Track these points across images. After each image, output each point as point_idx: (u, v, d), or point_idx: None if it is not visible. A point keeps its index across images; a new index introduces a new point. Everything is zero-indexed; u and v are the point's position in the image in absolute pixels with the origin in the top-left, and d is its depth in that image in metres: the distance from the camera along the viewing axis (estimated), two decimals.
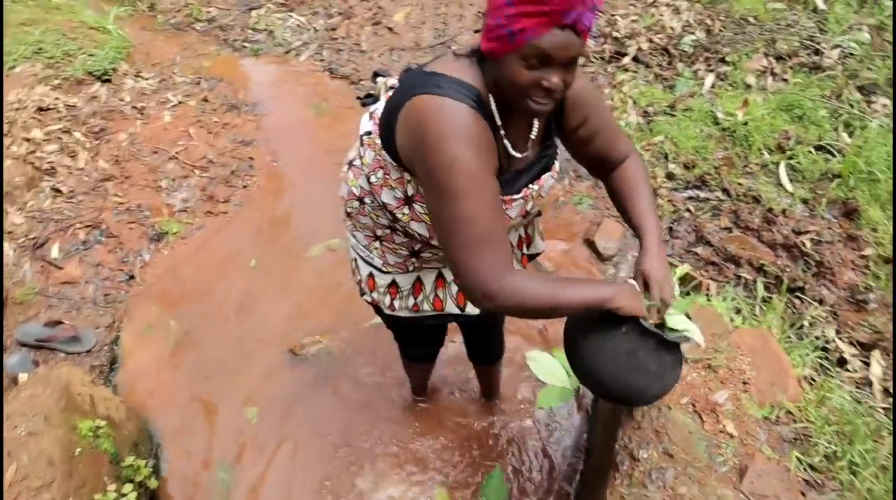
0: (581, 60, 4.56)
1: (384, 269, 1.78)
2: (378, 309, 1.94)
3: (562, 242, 3.38)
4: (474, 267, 1.34)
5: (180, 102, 4.77)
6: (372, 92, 1.79)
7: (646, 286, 1.53)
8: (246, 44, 5.93)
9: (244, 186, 4.10)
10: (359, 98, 1.83)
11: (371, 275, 1.82)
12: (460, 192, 1.30)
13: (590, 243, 3.34)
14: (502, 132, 1.43)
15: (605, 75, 4.45)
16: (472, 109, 1.31)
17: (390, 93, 1.56)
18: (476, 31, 5.33)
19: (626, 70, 4.41)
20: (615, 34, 4.69)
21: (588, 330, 1.55)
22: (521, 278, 1.35)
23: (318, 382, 2.89)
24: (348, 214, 1.77)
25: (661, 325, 1.53)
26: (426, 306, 1.85)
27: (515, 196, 1.51)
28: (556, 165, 1.65)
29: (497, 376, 2.65)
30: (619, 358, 1.50)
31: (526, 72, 1.25)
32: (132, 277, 3.45)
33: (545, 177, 1.59)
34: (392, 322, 2.06)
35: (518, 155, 1.49)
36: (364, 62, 5.35)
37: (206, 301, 3.32)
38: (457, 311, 1.89)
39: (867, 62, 3.88)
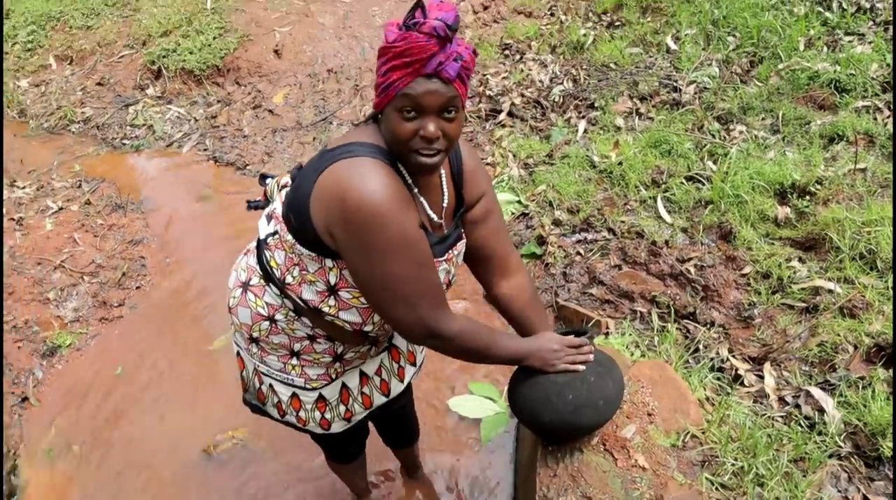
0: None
1: (308, 386, 1.73)
2: (300, 428, 1.87)
3: (463, 301, 3.43)
4: (417, 318, 1.43)
5: (61, 208, 4.63)
6: (258, 199, 1.79)
7: None
8: (126, 141, 5.83)
9: (138, 287, 3.98)
10: (248, 202, 1.83)
11: (295, 395, 1.76)
12: (391, 248, 1.34)
13: (490, 300, 3.40)
14: (416, 190, 1.47)
15: (484, 133, 4.62)
16: (386, 164, 1.36)
17: (283, 192, 1.57)
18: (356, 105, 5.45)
19: (504, 126, 4.60)
20: (488, 93, 4.89)
21: (519, 380, 1.76)
22: (462, 323, 1.51)
23: (236, 482, 2.78)
24: (254, 340, 1.69)
25: None
26: (357, 408, 1.85)
27: (440, 258, 1.54)
28: (464, 239, 1.69)
29: (417, 453, 2.61)
30: (548, 399, 1.68)
31: (404, 122, 1.32)
32: (25, 398, 3.26)
33: (460, 243, 1.64)
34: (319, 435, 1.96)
35: (435, 218, 1.53)
36: (248, 146, 5.36)
37: (108, 413, 3.17)
38: (384, 399, 1.92)
39: (720, 94, 4.19)
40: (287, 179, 1.65)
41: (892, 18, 4.26)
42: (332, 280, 1.46)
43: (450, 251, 1.59)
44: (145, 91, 6.34)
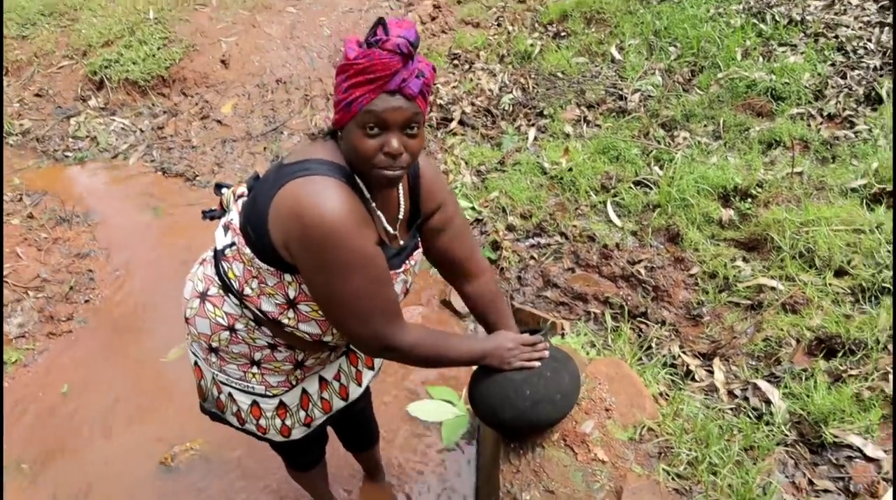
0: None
1: (268, 393, 1.73)
2: (260, 437, 1.86)
3: (419, 307, 3.46)
4: (373, 333, 1.46)
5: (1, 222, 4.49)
6: (214, 208, 1.78)
7: None
8: (68, 153, 5.70)
9: (86, 301, 3.89)
10: (204, 212, 1.81)
11: (255, 403, 1.75)
12: (348, 267, 1.35)
13: (446, 304, 3.45)
14: (373, 204, 1.48)
15: (436, 141, 4.67)
16: (343, 183, 1.36)
17: (240, 201, 1.56)
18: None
19: (455, 134, 4.66)
20: (439, 101, 4.95)
21: (478, 379, 1.82)
22: (416, 333, 1.54)
23: (196, 492, 2.75)
24: (213, 350, 1.68)
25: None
26: (317, 413, 1.85)
27: (398, 270, 1.56)
28: (420, 249, 1.72)
29: (378, 456, 2.62)
30: (506, 396, 1.74)
31: (367, 139, 1.33)
32: None
33: (417, 253, 1.67)
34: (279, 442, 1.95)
35: (392, 231, 1.55)
36: (197, 157, 5.30)
37: (60, 430, 3.08)
38: (343, 404, 1.93)
39: (664, 102, 4.33)
40: (243, 188, 1.64)
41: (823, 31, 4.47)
42: (292, 294, 1.47)
43: (406, 262, 1.61)
44: (87, 102, 6.21)
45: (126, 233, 4.53)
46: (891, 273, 2.66)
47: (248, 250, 1.45)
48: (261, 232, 1.40)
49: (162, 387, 3.25)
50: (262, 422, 1.79)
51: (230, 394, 1.77)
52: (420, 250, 1.70)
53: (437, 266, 1.82)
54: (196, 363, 1.83)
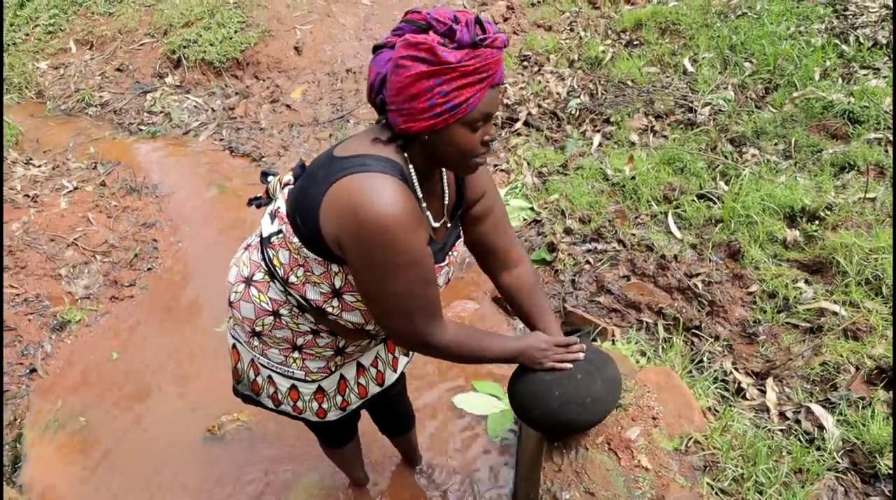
0: None
1: (307, 378, 1.76)
2: (296, 416, 1.89)
3: (471, 302, 3.48)
4: (413, 330, 1.48)
5: (76, 188, 4.68)
6: (260, 196, 1.79)
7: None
8: (142, 127, 5.90)
9: (149, 269, 4.02)
10: (250, 200, 1.83)
11: (294, 387, 1.78)
12: (398, 266, 1.35)
13: (497, 301, 3.46)
14: (423, 205, 1.49)
15: (500, 140, 4.68)
16: (400, 181, 1.35)
17: (286, 190, 1.56)
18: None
19: (519, 134, 4.65)
20: (506, 101, 4.95)
21: (515, 377, 1.84)
22: (454, 331, 1.55)
23: (239, 462, 2.82)
24: (256, 334, 1.70)
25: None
26: (353, 398, 1.88)
27: (442, 264, 1.58)
28: (462, 237, 1.73)
29: (414, 441, 2.65)
30: (536, 395, 1.75)
31: (473, 135, 1.35)
32: (34, 370, 3.30)
33: (458, 243, 1.68)
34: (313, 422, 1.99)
35: (437, 225, 1.56)
36: (264, 139, 5.41)
37: (115, 389, 3.21)
38: (378, 389, 1.97)
39: (735, 117, 4.25)
40: (289, 177, 1.64)
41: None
42: (338, 284, 1.48)
43: (450, 255, 1.62)
44: (164, 79, 6.42)
45: (191, 207, 4.67)
46: None
47: (295, 239, 1.45)
48: (311, 223, 1.40)
49: (214, 357, 3.34)
50: (300, 404, 1.82)
51: (269, 376, 1.79)
52: (461, 240, 1.71)
53: (475, 255, 1.83)
54: (234, 346, 1.85)
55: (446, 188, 1.60)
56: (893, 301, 2.60)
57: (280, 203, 1.55)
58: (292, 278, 1.51)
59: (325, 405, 1.84)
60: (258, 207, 1.80)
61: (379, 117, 1.42)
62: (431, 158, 1.42)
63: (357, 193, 1.31)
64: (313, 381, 1.76)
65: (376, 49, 1.37)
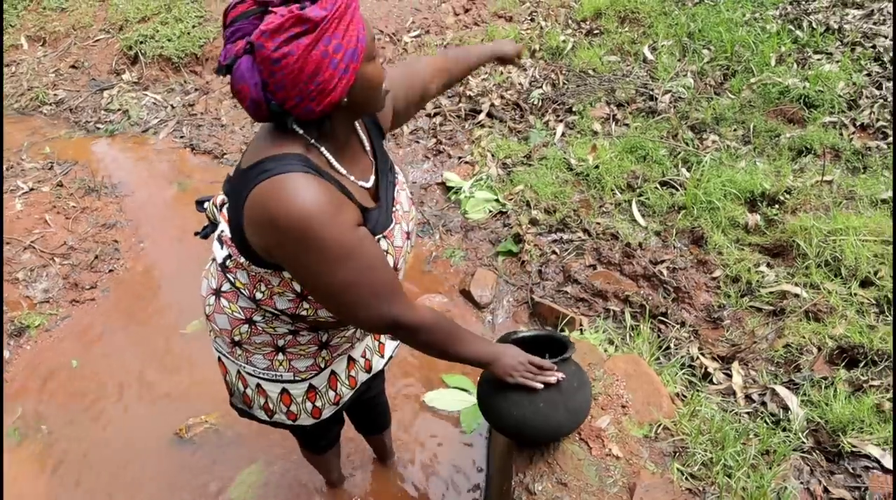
0: (439, 119, 4.74)
1: (297, 378, 1.73)
2: (290, 425, 1.87)
3: (439, 295, 3.47)
4: (377, 315, 1.43)
5: (32, 189, 4.56)
6: (206, 226, 1.77)
7: (501, 61, 2.18)
8: (100, 125, 5.77)
9: (110, 271, 3.94)
10: (196, 233, 1.81)
11: (284, 391, 1.75)
12: (332, 260, 1.31)
13: (466, 293, 3.46)
14: (351, 177, 1.42)
15: (463, 132, 4.67)
16: (306, 172, 1.29)
17: (224, 210, 1.53)
18: None
19: (483, 126, 4.65)
20: (469, 93, 4.94)
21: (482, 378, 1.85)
22: (429, 316, 1.51)
23: (208, 464, 2.79)
24: (237, 343, 1.66)
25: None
26: (345, 391, 1.86)
27: (391, 225, 1.52)
28: (400, 176, 1.68)
29: (390, 441, 2.64)
30: (497, 406, 1.78)
31: (376, 63, 1.33)
32: None
33: (399, 193, 1.61)
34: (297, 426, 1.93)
35: (367, 184, 1.48)
36: (226, 136, 5.34)
37: (77, 395, 3.14)
38: (367, 376, 1.95)
39: (694, 104, 4.30)
40: (222, 196, 1.61)
41: (860, 40, 4.42)
42: (298, 288, 1.45)
43: (394, 210, 1.56)
44: (121, 76, 6.28)
45: (152, 206, 4.58)
46: None
47: (243, 259, 1.43)
48: (244, 243, 1.39)
49: (180, 359, 3.29)
50: (293, 408, 1.79)
51: (258, 385, 1.76)
52: (406, 191, 1.66)
53: (417, 107, 1.88)
54: (220, 359, 1.82)
55: (363, 136, 1.55)
56: (894, 299, 2.64)
57: (223, 226, 1.52)
58: (258, 295, 1.49)
59: (318, 403, 1.81)
60: (205, 237, 1.77)
61: (277, 125, 1.36)
62: (354, 114, 1.40)
63: (268, 201, 1.27)
64: (303, 379, 1.73)
65: (223, 71, 1.26)
